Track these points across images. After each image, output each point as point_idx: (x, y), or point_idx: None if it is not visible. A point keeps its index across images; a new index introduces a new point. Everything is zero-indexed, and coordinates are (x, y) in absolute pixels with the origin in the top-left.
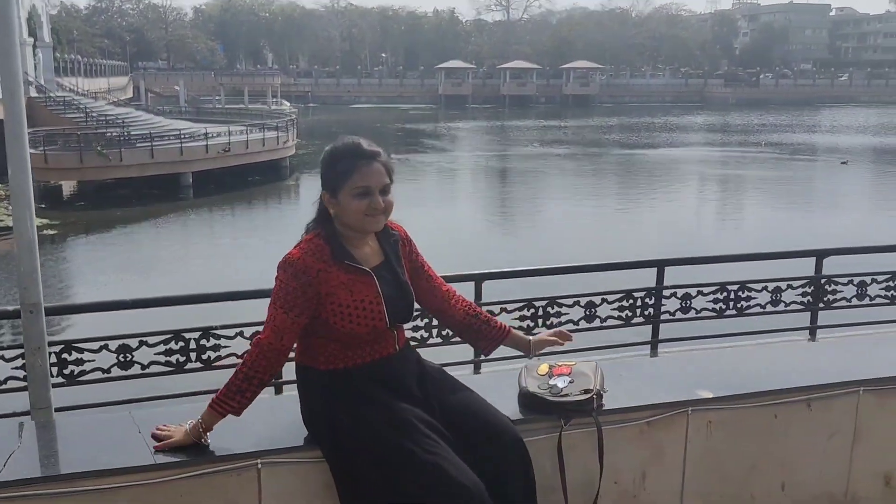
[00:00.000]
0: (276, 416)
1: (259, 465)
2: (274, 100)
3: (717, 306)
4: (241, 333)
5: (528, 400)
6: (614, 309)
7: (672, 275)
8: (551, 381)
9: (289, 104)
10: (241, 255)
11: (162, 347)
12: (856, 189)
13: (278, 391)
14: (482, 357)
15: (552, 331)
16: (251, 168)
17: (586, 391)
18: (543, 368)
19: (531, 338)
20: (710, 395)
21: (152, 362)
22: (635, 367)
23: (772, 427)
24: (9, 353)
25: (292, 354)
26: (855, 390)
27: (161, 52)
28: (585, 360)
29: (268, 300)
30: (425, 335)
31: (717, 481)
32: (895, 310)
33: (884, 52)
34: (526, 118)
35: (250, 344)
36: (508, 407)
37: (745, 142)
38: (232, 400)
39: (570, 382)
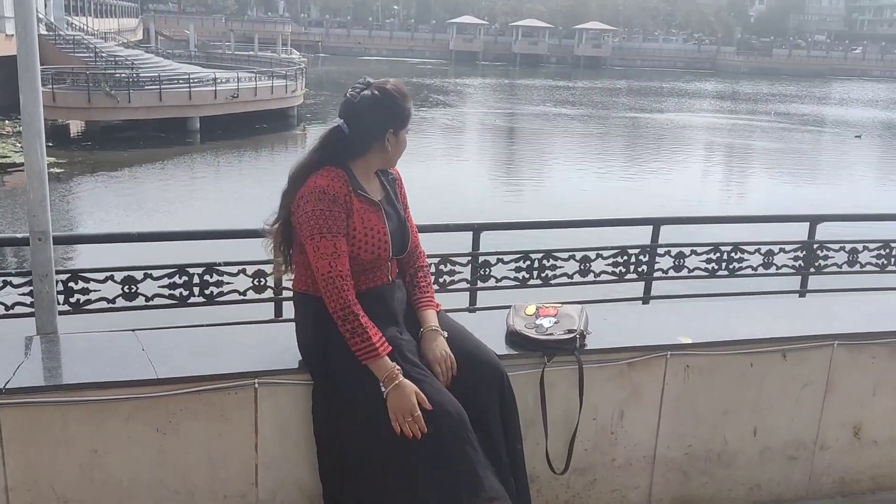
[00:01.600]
0: (275, 340)
1: (256, 385)
2: (284, 48)
3: (709, 266)
4: (243, 271)
5: (514, 337)
6: (609, 264)
7: (667, 234)
8: (538, 321)
9: (298, 53)
10: (245, 199)
11: (166, 281)
12: (867, 161)
13: (278, 315)
14: (476, 306)
15: (443, 354)
16: (259, 115)
17: (570, 331)
18: (531, 309)
19: (426, 329)
20: (689, 341)
21: (156, 295)
22: (620, 313)
23: (747, 375)
24: (17, 280)
25: (290, 283)
26: (829, 343)
27: None
28: (572, 304)
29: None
30: None
31: (692, 423)
32: (884, 277)
33: None
34: (536, 77)
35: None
36: (496, 344)
37: (755, 111)
38: (360, 344)
39: (556, 323)
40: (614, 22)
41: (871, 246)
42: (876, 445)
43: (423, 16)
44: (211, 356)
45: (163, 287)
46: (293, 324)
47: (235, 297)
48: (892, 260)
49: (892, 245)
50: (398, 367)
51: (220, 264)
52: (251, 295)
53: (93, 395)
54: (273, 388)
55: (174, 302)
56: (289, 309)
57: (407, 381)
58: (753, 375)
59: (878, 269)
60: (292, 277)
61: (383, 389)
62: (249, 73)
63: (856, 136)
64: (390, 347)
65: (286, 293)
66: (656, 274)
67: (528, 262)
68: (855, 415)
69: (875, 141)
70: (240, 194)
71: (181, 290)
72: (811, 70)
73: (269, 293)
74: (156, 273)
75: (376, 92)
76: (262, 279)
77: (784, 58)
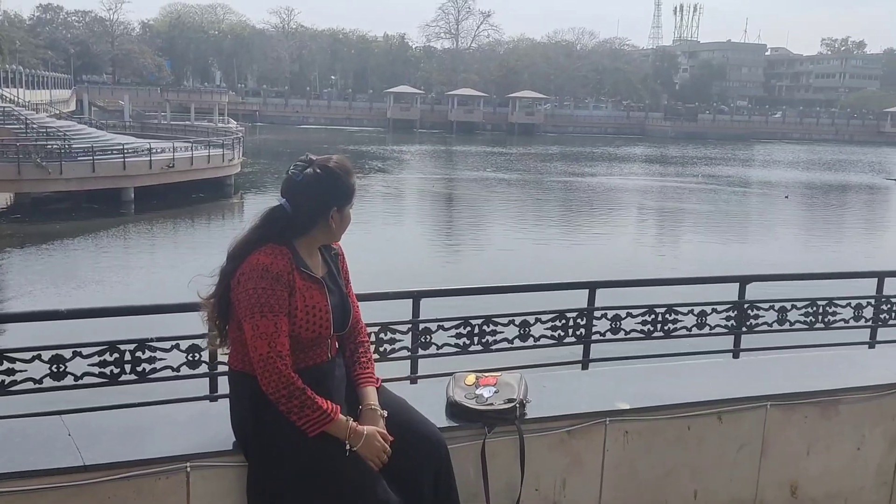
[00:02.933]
0: (209, 419)
1: (188, 469)
2: (221, 118)
3: (645, 328)
4: (177, 346)
5: (454, 409)
6: (547, 328)
7: (604, 297)
8: (477, 391)
9: (236, 122)
10: (181, 271)
11: (96, 359)
12: (794, 221)
13: (213, 391)
14: (417, 374)
15: (380, 432)
16: (195, 185)
17: (510, 400)
18: (471, 379)
19: (365, 408)
20: (627, 407)
21: (86, 373)
22: (559, 380)
23: (685, 438)
24: None
25: (226, 358)
26: (762, 405)
27: (106, 66)
28: (511, 372)
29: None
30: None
31: (633, 489)
32: (814, 335)
33: (815, 91)
34: (473, 144)
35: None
36: (437, 416)
37: (683, 173)
38: (311, 416)
39: (496, 392)
40: (546, 90)
41: (800, 304)
42: (813, 503)
43: (360, 85)
44: (141, 439)
45: (93, 365)
46: (226, 401)
47: (169, 373)
48: (820, 318)
49: (820, 303)
50: (350, 417)
51: (152, 340)
52: (185, 371)
53: (16, 486)
54: (206, 472)
55: (104, 380)
56: (225, 384)
57: (367, 427)
58: (691, 438)
59: (807, 326)
60: (227, 353)
61: (349, 447)
62: (186, 143)
63: (784, 197)
64: (339, 406)
65: (221, 367)
66: (594, 337)
67: (469, 328)
68: (791, 474)
69: (801, 201)
70: (175, 266)
71: (112, 367)
72: (735, 134)
73: (203, 368)
74: (85, 351)
75: (318, 170)
76: (196, 354)
77: (709, 122)
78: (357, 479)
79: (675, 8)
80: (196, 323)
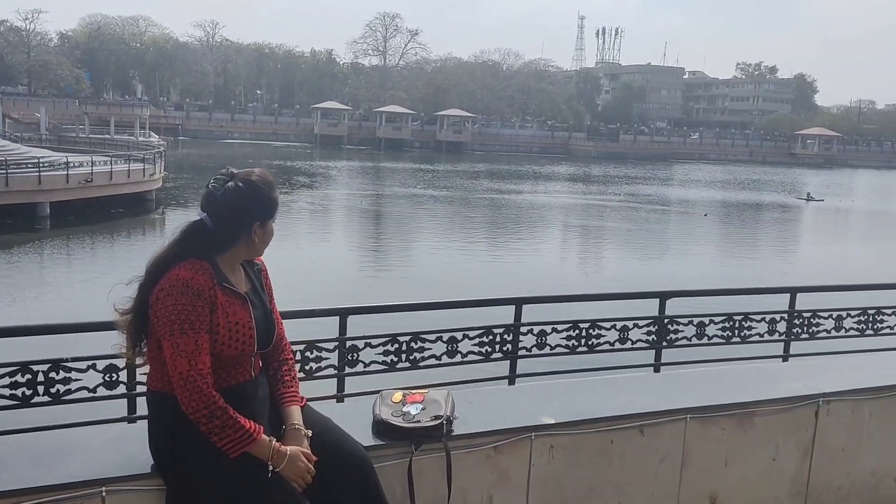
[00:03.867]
0: (126, 442)
1: (104, 493)
2: (142, 132)
3: (569, 343)
4: (93, 367)
5: (381, 427)
6: (475, 344)
7: (529, 313)
8: (404, 409)
9: (157, 136)
10: (98, 288)
11: (7, 380)
12: (713, 238)
13: (131, 412)
14: (344, 392)
15: (304, 451)
16: (115, 200)
17: (437, 417)
18: (397, 396)
19: (288, 427)
20: (552, 421)
21: None
22: (486, 396)
23: (608, 451)
24: None
25: (145, 378)
26: (682, 417)
27: (22, 77)
28: (438, 389)
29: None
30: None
31: (559, 503)
32: (730, 348)
33: (731, 113)
34: (400, 161)
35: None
36: (363, 435)
37: (606, 192)
38: (233, 436)
39: (423, 409)
40: (473, 109)
41: (717, 319)
42: None
43: (286, 100)
44: (54, 463)
45: (3, 387)
46: (145, 422)
47: (85, 394)
48: (736, 332)
49: (736, 318)
50: (272, 437)
51: (67, 360)
52: (102, 392)
53: None
54: (123, 496)
55: (16, 402)
56: (143, 406)
57: (290, 447)
58: (614, 452)
59: (724, 340)
60: (146, 373)
61: (272, 468)
62: (105, 157)
63: (704, 215)
64: (262, 426)
65: (140, 388)
66: (520, 352)
67: (397, 345)
68: (710, 485)
69: (719, 219)
70: (92, 283)
71: (24, 389)
72: (654, 154)
73: (121, 389)
74: None
75: (240, 184)
76: (114, 374)
77: (630, 143)
78: (280, 501)
79: (598, 31)
80: (114, 342)
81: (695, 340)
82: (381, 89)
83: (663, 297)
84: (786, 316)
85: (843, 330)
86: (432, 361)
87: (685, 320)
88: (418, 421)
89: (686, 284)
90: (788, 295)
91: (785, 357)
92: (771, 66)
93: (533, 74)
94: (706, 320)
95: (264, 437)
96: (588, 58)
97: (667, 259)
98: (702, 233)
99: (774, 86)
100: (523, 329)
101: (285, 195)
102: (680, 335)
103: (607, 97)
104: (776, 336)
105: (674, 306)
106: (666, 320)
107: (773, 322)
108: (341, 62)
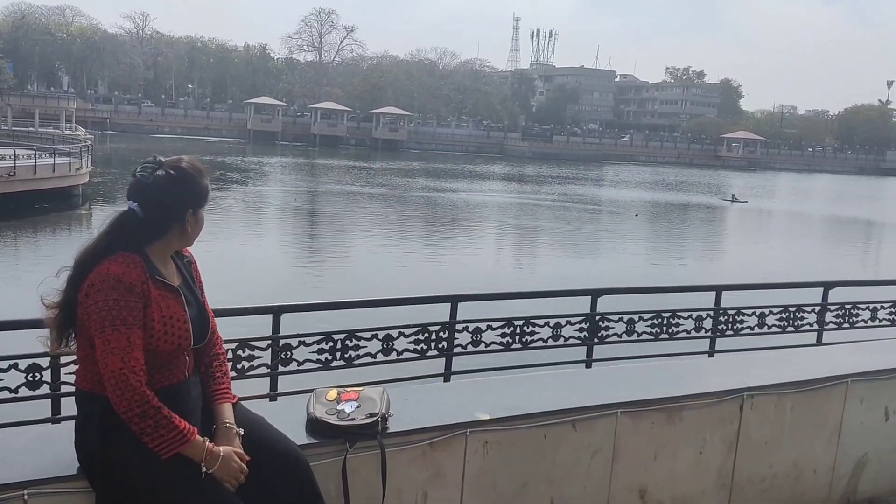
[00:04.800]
0: (49, 444)
1: (25, 497)
2: (68, 125)
3: (504, 340)
4: (15, 366)
5: (315, 425)
6: (411, 342)
7: (465, 311)
8: (339, 407)
9: (84, 130)
10: (21, 285)
11: None
12: (643, 237)
13: (56, 413)
14: (277, 391)
15: (237, 451)
16: (39, 195)
17: (372, 415)
18: (332, 394)
19: (220, 425)
20: (487, 417)
21: None
22: (421, 393)
23: (542, 447)
24: None
25: (73, 378)
26: (613, 412)
27: None
28: (374, 387)
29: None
30: None
31: (493, 499)
32: (659, 345)
33: (660, 116)
34: (336, 158)
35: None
36: (297, 433)
37: (539, 191)
38: (167, 436)
39: (357, 407)
40: (409, 107)
41: (646, 316)
42: None
43: (219, 95)
44: None
45: None
46: (69, 424)
47: (6, 395)
48: (665, 328)
49: (664, 315)
50: (206, 437)
51: None
52: (24, 392)
53: None
54: (46, 499)
55: None
56: (68, 406)
57: (223, 447)
58: (548, 447)
59: (653, 337)
60: (73, 372)
61: (205, 469)
62: (28, 150)
63: (634, 215)
64: (196, 427)
65: (66, 388)
66: (456, 350)
67: (331, 344)
68: (640, 479)
69: (648, 219)
70: (15, 280)
71: None
72: (587, 155)
73: (45, 389)
74: None
75: (171, 171)
76: (37, 374)
77: (563, 144)
78: (213, 503)
79: (533, 32)
80: (37, 341)
81: (625, 337)
82: (317, 86)
83: (595, 294)
84: (712, 313)
85: (766, 326)
86: (367, 360)
87: (616, 317)
88: (353, 419)
89: (617, 282)
90: (714, 293)
91: (711, 353)
92: (699, 70)
93: (469, 74)
94: (636, 317)
95: (198, 437)
96: (523, 59)
97: (599, 258)
98: (632, 232)
99: (702, 90)
100: (459, 327)
101: (216, 191)
102: (611, 332)
103: (541, 98)
104: (703, 332)
105: (605, 303)
106: (597, 317)
107: (699, 319)
108: (276, 57)
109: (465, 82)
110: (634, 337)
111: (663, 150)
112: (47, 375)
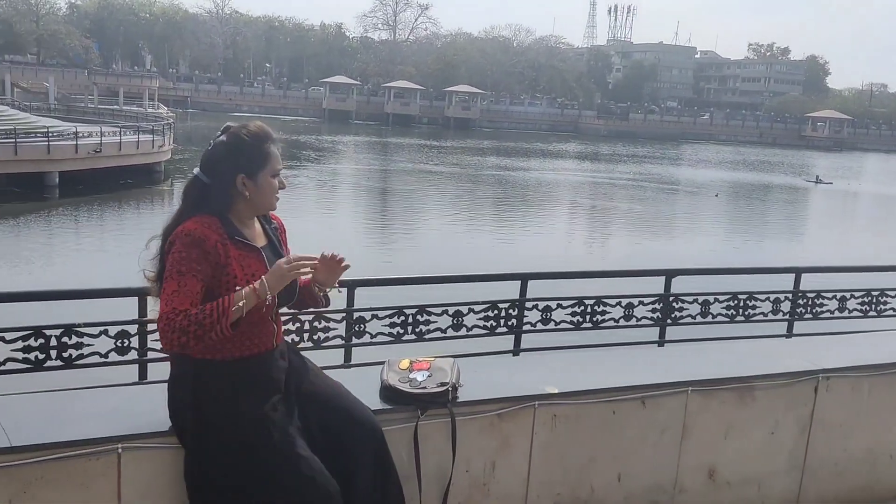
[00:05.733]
0: (140, 403)
1: (119, 450)
2: (151, 103)
3: (574, 319)
4: (105, 332)
5: (388, 392)
6: (480, 318)
7: (535, 289)
8: (411, 375)
9: (166, 108)
10: (108, 256)
11: (20, 344)
12: (722, 218)
13: (142, 378)
14: (352, 361)
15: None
16: (124, 171)
17: (442, 384)
18: (405, 363)
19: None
20: (556, 391)
21: (9, 359)
22: (490, 366)
23: (610, 422)
24: None
25: (159, 345)
26: (683, 390)
27: (31, 47)
28: (444, 358)
29: (135, 300)
30: (297, 339)
31: (560, 471)
32: (734, 327)
33: (741, 94)
34: (408, 137)
35: (159, 329)
36: (370, 399)
37: (614, 170)
38: (217, 312)
39: (429, 376)
40: (482, 85)
41: (722, 298)
42: (729, 487)
43: (295, 74)
44: (70, 421)
45: (16, 350)
46: (158, 386)
47: (97, 359)
48: (741, 311)
49: (741, 297)
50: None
51: (79, 325)
52: (114, 357)
53: None
54: (138, 453)
55: (29, 366)
56: (154, 371)
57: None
58: (616, 423)
59: (728, 319)
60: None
61: (268, 298)
62: (114, 128)
63: (714, 195)
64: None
65: (151, 354)
66: (525, 327)
67: (403, 318)
68: (709, 458)
69: (729, 199)
70: (102, 251)
71: (37, 353)
72: (664, 133)
73: (133, 355)
74: (9, 335)
75: (225, 137)
76: (125, 340)
77: (640, 122)
78: (301, 468)
79: (610, 8)
80: (125, 308)
81: (699, 318)
82: (391, 64)
83: (669, 274)
84: (790, 296)
85: (847, 311)
86: (438, 334)
87: (690, 298)
88: (424, 387)
89: (693, 263)
90: (793, 275)
91: (788, 336)
92: (783, 47)
93: (544, 51)
94: (711, 299)
95: (239, 292)
96: (600, 35)
97: (674, 239)
98: (711, 213)
99: (786, 67)
100: (528, 304)
101: (291, 170)
102: (685, 313)
103: (618, 75)
104: (780, 316)
105: (679, 284)
106: (671, 298)
107: (777, 302)
108: (351, 36)
109: (539, 59)
110: (709, 319)
111: (745, 129)
112: (135, 342)
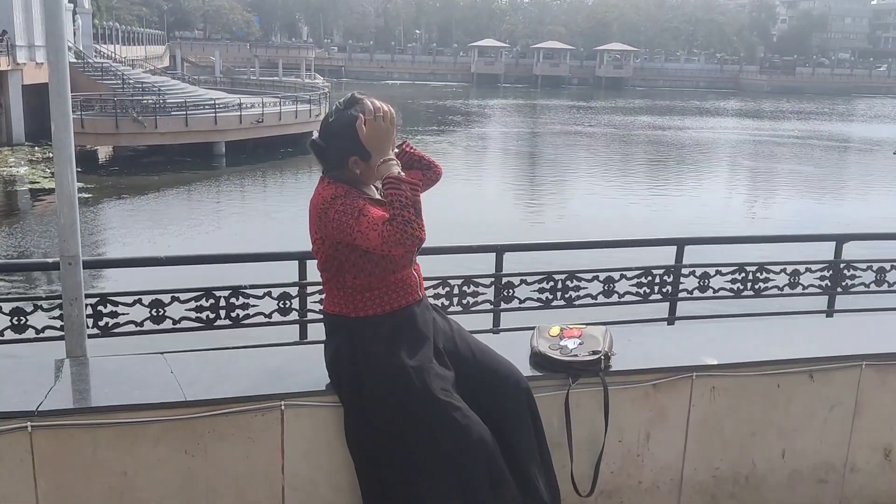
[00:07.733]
0: (301, 362)
1: (283, 407)
2: (307, 73)
3: (734, 286)
4: (269, 294)
5: (538, 359)
6: (633, 285)
7: (691, 254)
8: (562, 343)
9: (322, 78)
10: (270, 221)
11: (193, 304)
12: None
13: (303, 338)
14: (500, 327)
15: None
16: (283, 140)
17: (594, 352)
18: (555, 330)
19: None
20: (715, 363)
21: (183, 318)
22: (644, 334)
23: (774, 396)
24: (47, 304)
25: (318, 307)
26: (857, 364)
27: (198, 23)
28: (596, 325)
29: (296, 263)
30: (446, 303)
31: (719, 445)
32: None
33: None
34: (558, 98)
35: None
36: (520, 365)
37: (778, 129)
38: (410, 189)
39: (580, 344)
40: (636, 43)
41: None
42: None
43: (444, 39)
44: (237, 378)
45: (189, 310)
46: (318, 346)
47: (261, 319)
48: None
49: None
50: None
51: (245, 287)
52: (276, 318)
53: (122, 418)
54: (299, 410)
55: (201, 325)
56: (314, 331)
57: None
58: (780, 397)
59: None
60: (318, 300)
61: (392, 160)
62: (274, 98)
63: (892, 153)
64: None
65: (311, 315)
66: (681, 295)
67: (552, 283)
68: (885, 437)
69: None
70: (265, 217)
71: (208, 312)
72: (835, 88)
73: (294, 315)
74: (183, 296)
75: (345, 118)
76: (287, 301)
77: (807, 76)
78: (452, 414)
79: None
80: (286, 271)
81: (873, 287)
82: (540, 25)
83: (840, 240)
84: None
85: None
86: (588, 301)
87: (864, 265)
88: (576, 355)
89: (866, 228)
90: None
91: None
92: None
93: (701, 4)
94: (887, 266)
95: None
96: None
97: (845, 201)
98: (886, 173)
99: None
100: (684, 271)
101: (437, 135)
102: (857, 281)
103: (783, 27)
104: None
105: (852, 250)
106: (842, 265)
107: None
108: None
109: (696, 13)
110: (885, 287)
111: None
112: (296, 303)
